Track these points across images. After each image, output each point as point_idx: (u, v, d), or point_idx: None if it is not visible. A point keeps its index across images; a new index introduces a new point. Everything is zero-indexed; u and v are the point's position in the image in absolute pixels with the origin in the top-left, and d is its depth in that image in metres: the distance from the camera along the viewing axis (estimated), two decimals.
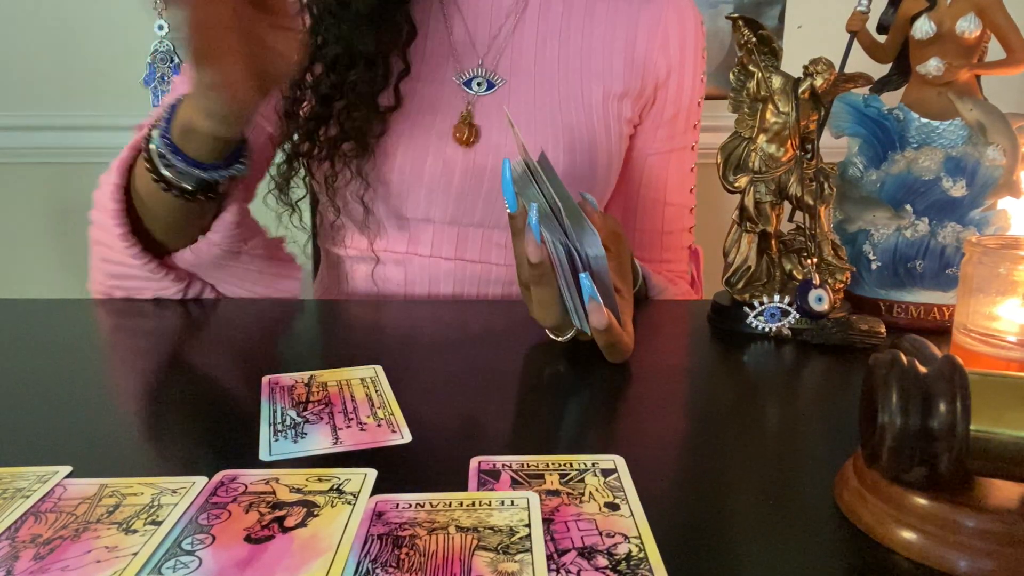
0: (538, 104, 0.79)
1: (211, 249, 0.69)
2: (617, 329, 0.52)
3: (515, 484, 0.37)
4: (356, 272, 0.84)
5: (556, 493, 0.37)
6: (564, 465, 0.39)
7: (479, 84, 0.79)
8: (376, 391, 0.49)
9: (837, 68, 0.62)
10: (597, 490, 0.37)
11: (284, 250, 0.77)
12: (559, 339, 0.57)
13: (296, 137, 0.76)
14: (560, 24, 0.82)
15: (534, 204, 0.50)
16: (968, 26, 0.62)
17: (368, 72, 0.74)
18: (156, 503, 0.36)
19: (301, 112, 0.75)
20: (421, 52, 0.79)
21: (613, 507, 0.35)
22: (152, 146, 0.63)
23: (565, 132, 0.79)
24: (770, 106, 0.62)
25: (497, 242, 0.81)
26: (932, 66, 0.64)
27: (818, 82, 0.60)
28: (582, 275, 0.49)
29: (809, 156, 0.63)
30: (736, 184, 0.64)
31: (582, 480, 0.38)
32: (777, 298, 0.61)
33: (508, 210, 0.52)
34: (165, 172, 0.63)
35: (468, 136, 0.77)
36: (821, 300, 0.60)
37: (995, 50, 0.64)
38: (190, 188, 0.64)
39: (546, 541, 0.33)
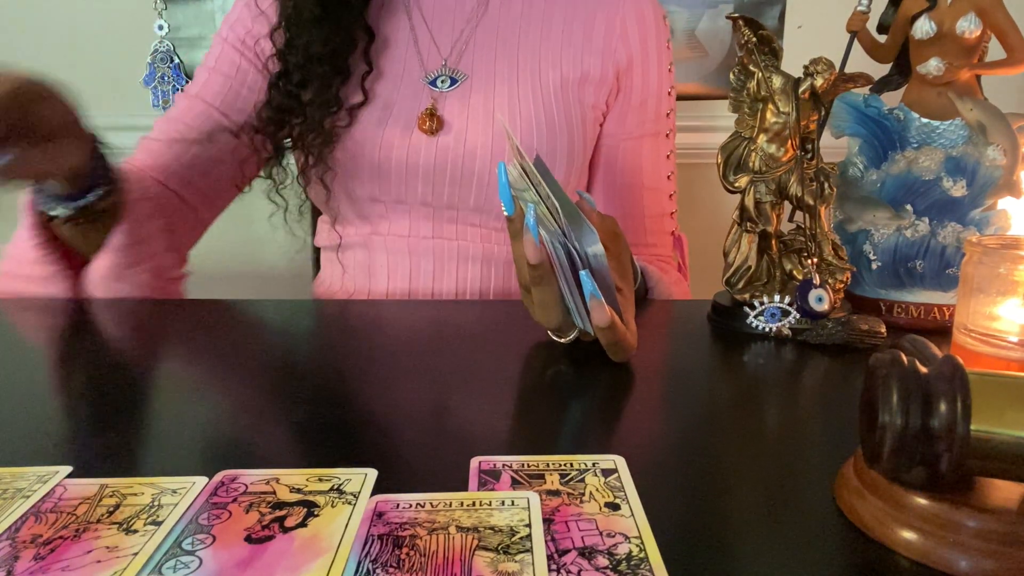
0: (497, 96, 0.84)
1: (101, 268, 0.72)
2: (620, 327, 0.52)
3: (515, 484, 0.37)
4: (344, 258, 0.90)
5: (556, 493, 0.37)
6: (564, 465, 0.39)
7: (443, 82, 0.85)
8: None
9: (837, 68, 0.62)
10: (597, 490, 0.37)
11: (175, 276, 0.82)
12: (562, 340, 0.57)
13: (272, 132, 0.84)
14: (520, 20, 0.87)
15: (531, 205, 0.49)
16: (968, 26, 0.62)
17: (320, 69, 0.81)
18: (156, 503, 0.36)
19: (274, 108, 0.83)
20: (390, 58, 0.86)
21: (613, 507, 0.35)
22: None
23: (524, 120, 0.83)
24: (770, 106, 0.62)
25: (471, 223, 0.86)
26: (932, 66, 0.64)
27: (818, 82, 0.60)
28: (582, 272, 0.49)
29: (809, 156, 0.63)
30: (736, 184, 0.64)
31: (582, 480, 0.38)
32: (777, 298, 0.61)
33: (505, 213, 0.52)
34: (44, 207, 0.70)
35: (432, 126, 0.83)
36: (821, 300, 0.60)
37: (995, 50, 0.64)
38: (67, 213, 0.69)
39: (546, 541, 0.33)
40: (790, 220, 0.65)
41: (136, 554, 0.32)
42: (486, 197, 0.84)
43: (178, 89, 1.48)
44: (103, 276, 0.71)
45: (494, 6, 0.87)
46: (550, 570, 0.31)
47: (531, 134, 0.83)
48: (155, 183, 0.82)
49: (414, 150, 0.83)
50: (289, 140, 0.85)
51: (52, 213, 0.69)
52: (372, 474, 0.38)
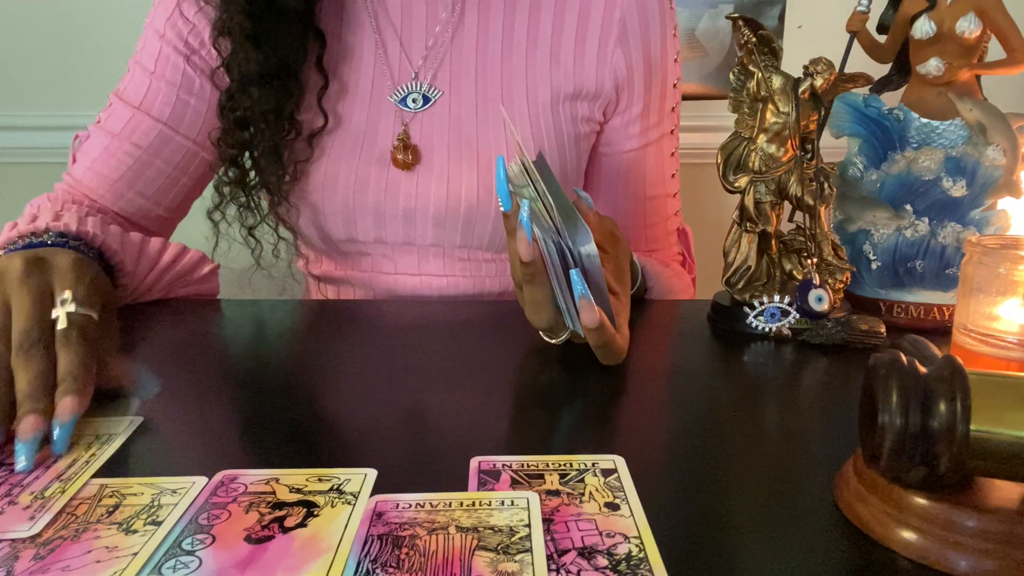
0: (480, 115, 0.76)
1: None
2: (609, 329, 0.51)
3: (515, 484, 0.37)
4: (327, 293, 0.86)
5: (556, 493, 0.37)
6: (564, 465, 0.39)
7: (414, 100, 0.76)
8: None
9: (837, 68, 0.62)
10: (597, 490, 0.37)
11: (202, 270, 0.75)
12: (553, 341, 0.57)
13: (225, 165, 0.75)
14: (502, 25, 0.77)
15: (526, 201, 0.49)
16: (968, 26, 0.62)
17: (265, 91, 0.71)
18: (156, 503, 0.36)
19: (229, 136, 0.74)
20: (356, 73, 0.76)
21: (613, 507, 0.35)
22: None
23: (510, 141, 0.75)
24: (770, 106, 0.62)
25: (460, 257, 0.79)
26: (932, 66, 0.64)
27: (818, 82, 0.60)
28: (572, 271, 0.49)
29: (809, 156, 0.63)
30: (736, 184, 0.64)
31: (582, 480, 0.38)
32: (777, 298, 0.61)
33: (502, 209, 0.52)
34: None
35: (407, 159, 0.74)
36: (821, 300, 0.60)
37: (995, 50, 0.64)
38: None
39: (546, 541, 0.33)
40: (790, 220, 0.65)
41: (136, 554, 0.32)
42: (474, 235, 0.77)
43: None
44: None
45: (471, 8, 0.76)
46: (550, 570, 0.31)
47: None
48: (119, 226, 0.71)
49: (391, 193, 0.75)
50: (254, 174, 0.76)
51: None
52: (372, 474, 0.38)
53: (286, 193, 0.75)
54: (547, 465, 0.39)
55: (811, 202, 0.62)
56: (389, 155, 0.75)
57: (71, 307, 0.46)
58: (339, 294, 0.85)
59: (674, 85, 0.84)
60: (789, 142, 0.62)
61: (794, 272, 0.64)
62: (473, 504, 0.35)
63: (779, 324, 0.61)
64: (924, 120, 0.65)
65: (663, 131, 0.85)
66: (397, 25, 0.77)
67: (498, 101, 0.76)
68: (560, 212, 0.51)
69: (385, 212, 0.76)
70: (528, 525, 0.34)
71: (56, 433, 0.41)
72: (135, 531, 0.34)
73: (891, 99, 0.69)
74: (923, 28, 0.64)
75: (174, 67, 0.75)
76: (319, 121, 0.74)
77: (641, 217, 0.86)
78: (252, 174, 0.76)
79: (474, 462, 0.40)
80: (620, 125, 0.82)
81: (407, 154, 0.74)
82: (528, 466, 0.39)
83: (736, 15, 0.62)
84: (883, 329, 0.59)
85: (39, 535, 0.34)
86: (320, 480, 0.38)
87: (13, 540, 0.33)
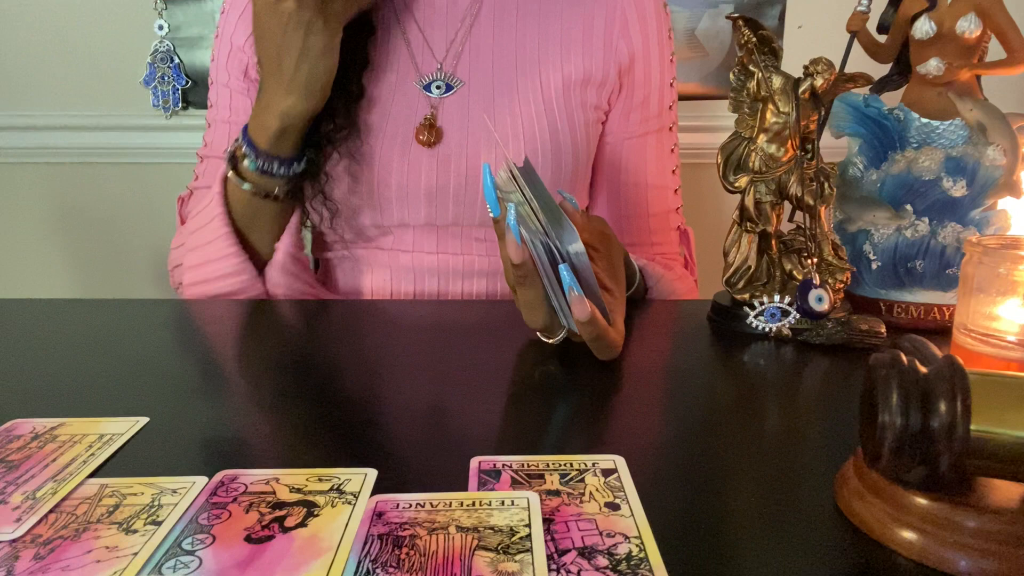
0: (497, 101, 0.81)
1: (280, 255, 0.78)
2: (602, 322, 0.52)
3: (515, 484, 0.37)
4: (345, 272, 0.88)
5: (556, 493, 0.37)
6: (564, 465, 0.39)
7: (438, 87, 0.82)
8: None
9: (837, 68, 0.63)
10: (597, 490, 0.37)
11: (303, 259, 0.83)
12: (550, 341, 0.57)
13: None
14: (516, 19, 0.83)
15: (512, 204, 0.50)
16: (968, 26, 0.62)
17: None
18: (156, 503, 0.36)
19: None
20: (383, 63, 0.82)
21: (613, 507, 0.35)
22: (245, 161, 0.75)
23: (526, 125, 0.80)
24: (770, 106, 0.62)
25: (476, 237, 0.83)
26: (932, 66, 0.64)
27: (818, 82, 0.60)
28: (561, 266, 0.49)
29: (809, 156, 0.63)
30: (736, 184, 0.64)
31: (582, 480, 0.38)
32: (777, 298, 0.61)
33: (491, 214, 0.52)
34: (252, 176, 0.75)
35: (430, 137, 0.80)
36: (821, 300, 0.60)
37: (995, 50, 0.64)
38: (273, 188, 0.76)
39: (546, 541, 0.33)
40: (790, 220, 0.65)
41: (136, 554, 0.32)
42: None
43: (178, 89, 1.48)
44: (281, 267, 0.77)
45: (487, 5, 0.83)
46: (550, 570, 0.31)
47: (535, 141, 0.80)
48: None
49: (414, 170, 0.80)
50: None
51: (281, 172, 0.75)
52: (372, 474, 0.38)
53: (323, 181, 0.81)
54: (547, 465, 0.39)
55: (811, 202, 0.62)
56: (413, 135, 0.80)
57: None
58: (357, 274, 0.86)
59: (671, 84, 0.88)
60: (789, 142, 0.62)
61: (794, 272, 0.64)
62: (473, 504, 0.35)
63: (779, 324, 0.61)
64: (924, 120, 0.65)
65: (663, 124, 0.89)
66: (420, 20, 0.83)
67: (513, 88, 0.82)
68: (546, 214, 0.52)
69: (408, 191, 0.80)
70: (528, 525, 0.34)
71: None
72: (135, 531, 0.34)
73: (891, 99, 0.69)
74: (923, 28, 0.64)
75: (245, 108, 0.83)
76: (357, 91, 0.80)
77: (643, 206, 0.89)
78: None
79: (474, 462, 0.40)
80: (622, 113, 0.87)
81: (430, 134, 0.80)
82: (528, 466, 0.39)
83: (736, 15, 0.62)
84: (883, 329, 0.59)
85: (40, 535, 0.34)
86: (320, 480, 0.38)
87: (11, 541, 0.33)
